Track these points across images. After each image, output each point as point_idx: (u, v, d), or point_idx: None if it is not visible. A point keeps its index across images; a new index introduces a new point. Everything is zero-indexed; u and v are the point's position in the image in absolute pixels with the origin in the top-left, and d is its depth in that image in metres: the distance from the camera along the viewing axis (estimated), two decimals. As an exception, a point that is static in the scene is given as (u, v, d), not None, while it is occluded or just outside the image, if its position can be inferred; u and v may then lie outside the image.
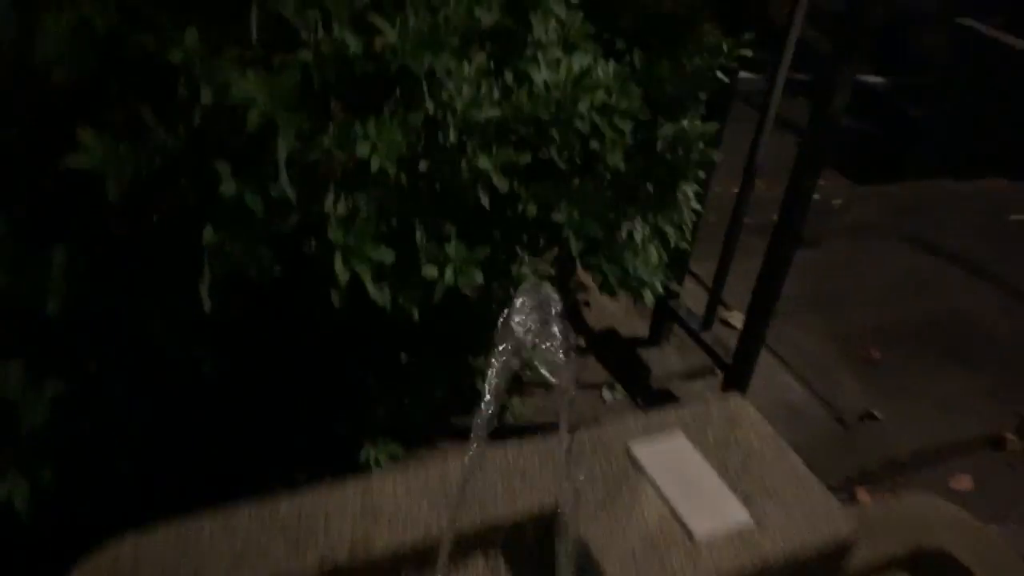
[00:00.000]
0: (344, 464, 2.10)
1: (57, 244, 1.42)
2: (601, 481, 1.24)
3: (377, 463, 2.01)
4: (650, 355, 3.05)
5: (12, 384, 1.44)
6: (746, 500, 1.24)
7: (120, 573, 1.02)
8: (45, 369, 1.46)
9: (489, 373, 0.91)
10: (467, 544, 1.16)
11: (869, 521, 1.80)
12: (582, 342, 3.08)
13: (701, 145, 1.80)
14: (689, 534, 1.18)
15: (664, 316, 3.00)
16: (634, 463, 1.27)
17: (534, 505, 1.18)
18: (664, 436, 1.33)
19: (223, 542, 1.07)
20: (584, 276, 2.38)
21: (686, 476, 1.27)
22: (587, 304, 3.20)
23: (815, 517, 1.23)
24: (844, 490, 2.63)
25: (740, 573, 1.15)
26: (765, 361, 3.21)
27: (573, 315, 3.13)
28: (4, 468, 1.55)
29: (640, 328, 3.11)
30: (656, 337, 3.07)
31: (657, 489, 1.24)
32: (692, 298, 3.03)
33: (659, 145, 1.85)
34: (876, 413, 3.02)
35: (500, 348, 0.85)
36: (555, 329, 0.80)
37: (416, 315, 1.65)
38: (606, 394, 2.88)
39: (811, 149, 2.19)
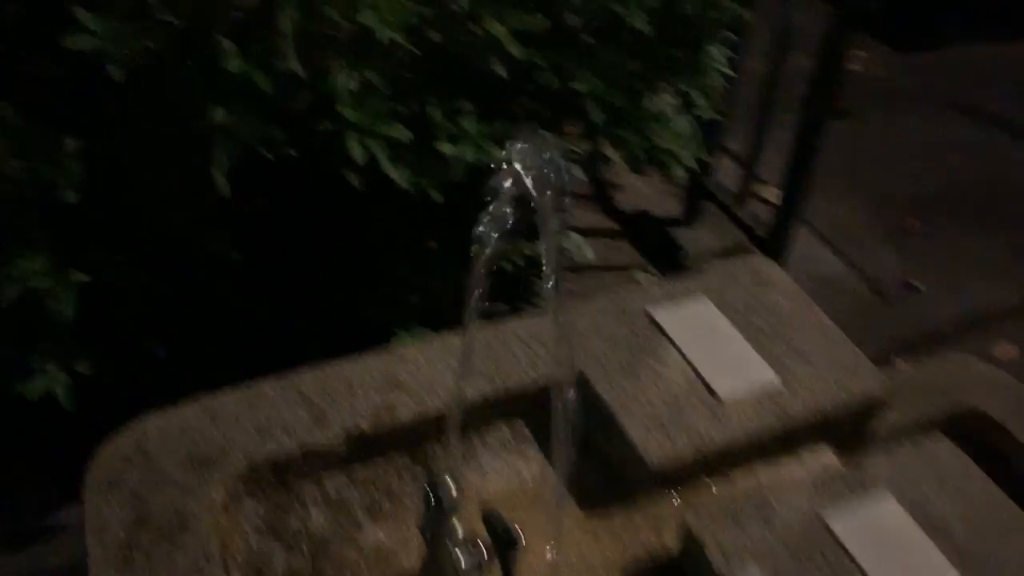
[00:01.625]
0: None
1: (70, 129, 1.41)
2: (623, 345, 1.22)
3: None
4: (684, 235, 3.01)
5: (38, 275, 1.44)
6: (772, 360, 1.22)
7: (145, 450, 1.03)
8: (69, 260, 1.47)
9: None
10: (490, 413, 1.16)
11: (903, 383, 1.77)
12: (613, 224, 3.04)
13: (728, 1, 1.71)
14: (714, 394, 1.17)
15: (698, 194, 2.94)
16: (657, 327, 1.25)
17: (555, 372, 1.17)
18: (687, 300, 1.30)
19: (247, 417, 1.08)
20: (613, 155, 2.32)
21: (710, 338, 1.25)
22: (618, 186, 3.14)
23: (844, 375, 1.21)
24: (884, 362, 2.61)
25: (766, 432, 1.14)
26: (801, 235, 3.15)
27: (603, 198, 3.08)
28: (43, 359, 1.58)
29: (673, 208, 3.05)
30: (690, 217, 3.02)
31: (680, 352, 1.22)
32: (727, 176, 2.96)
33: (684, 6, 1.76)
34: (916, 284, 2.96)
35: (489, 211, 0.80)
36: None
37: (437, 195, 1.62)
38: (639, 276, 2.86)
39: (845, 10, 2.09)
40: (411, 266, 2.02)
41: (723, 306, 1.30)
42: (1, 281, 1.36)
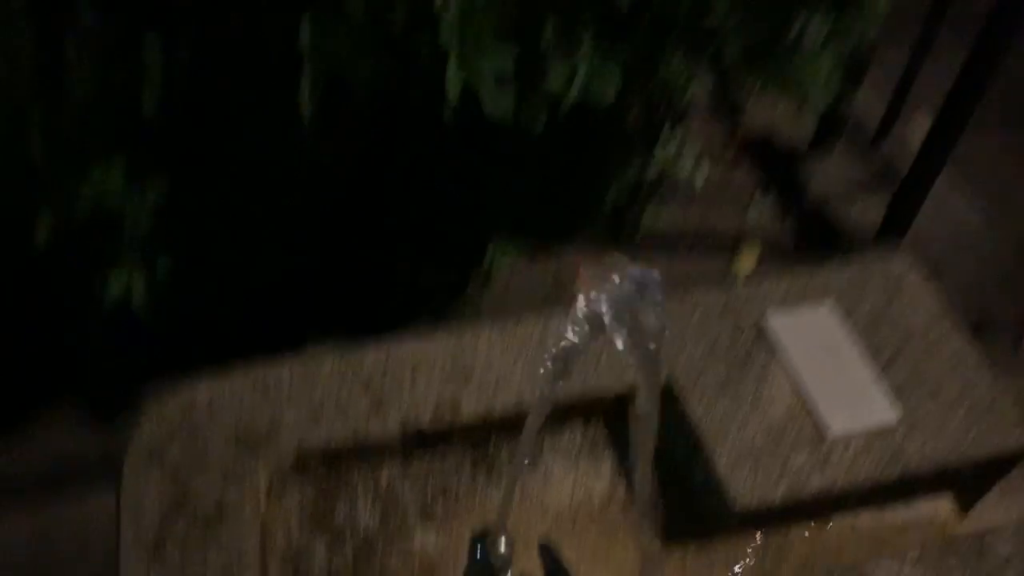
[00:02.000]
0: (468, 266, 2.02)
1: (150, 36, 1.30)
2: (724, 356, 1.08)
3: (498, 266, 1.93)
4: (809, 167, 2.77)
5: (115, 184, 1.38)
6: (897, 393, 1.06)
7: (190, 422, 0.97)
8: (145, 170, 1.39)
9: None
10: (564, 415, 1.05)
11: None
12: (735, 149, 2.81)
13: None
14: (822, 430, 1.02)
15: (831, 124, 2.67)
16: (766, 337, 1.10)
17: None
18: (806, 306, 1.14)
19: (302, 392, 1.00)
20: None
21: (827, 359, 1.09)
22: (744, 108, 2.88)
23: (980, 422, 1.05)
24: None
25: (875, 481, 1.00)
26: (941, 181, 2.86)
27: (727, 118, 2.83)
28: (120, 263, 1.54)
29: (802, 136, 2.79)
30: (819, 147, 2.76)
31: (790, 371, 1.07)
32: (864, 105, 2.67)
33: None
34: (1064, 246, 2.67)
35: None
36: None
37: (539, 127, 1.47)
38: (751, 211, 2.65)
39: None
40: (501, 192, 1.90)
41: (848, 317, 1.13)
42: (75, 196, 1.30)
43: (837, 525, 1.03)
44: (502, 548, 0.78)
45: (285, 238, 1.63)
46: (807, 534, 1.02)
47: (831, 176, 2.76)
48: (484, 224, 1.95)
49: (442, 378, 1.03)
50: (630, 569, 0.98)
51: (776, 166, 2.76)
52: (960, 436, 1.03)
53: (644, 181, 2.25)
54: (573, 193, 2.00)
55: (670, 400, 1.04)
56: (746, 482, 0.98)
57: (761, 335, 1.11)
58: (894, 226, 2.59)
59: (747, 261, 2.52)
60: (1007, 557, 0.94)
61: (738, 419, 1.03)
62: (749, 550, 1.00)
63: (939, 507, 1.06)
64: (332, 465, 0.99)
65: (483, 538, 0.77)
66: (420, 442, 1.00)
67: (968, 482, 1.06)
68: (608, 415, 1.06)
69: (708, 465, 1.00)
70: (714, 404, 1.04)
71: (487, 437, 1.04)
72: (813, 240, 2.62)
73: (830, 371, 1.08)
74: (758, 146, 2.81)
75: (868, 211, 2.66)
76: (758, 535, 1.01)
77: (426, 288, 1.96)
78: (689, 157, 2.26)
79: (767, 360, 1.08)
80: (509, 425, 1.03)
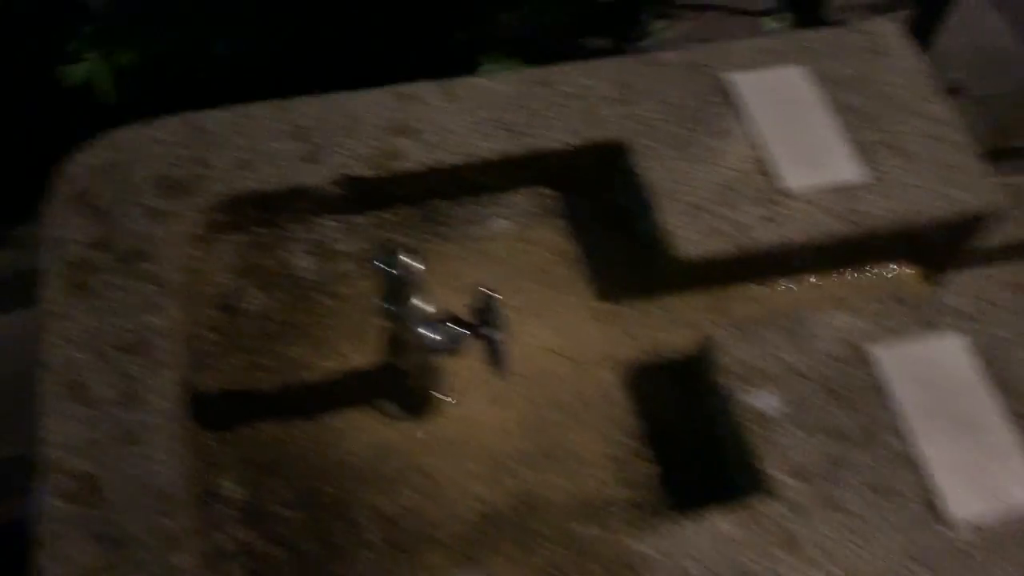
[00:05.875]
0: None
1: None
2: (684, 115, 1.02)
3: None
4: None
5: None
6: (863, 153, 1.00)
7: (117, 164, 0.94)
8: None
9: None
10: (514, 175, 1.01)
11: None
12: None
13: None
14: (779, 185, 0.97)
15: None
16: (730, 95, 1.04)
17: (595, 135, 1.00)
18: (778, 68, 1.07)
19: (233, 142, 0.96)
20: None
21: (793, 117, 1.03)
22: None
23: (946, 181, 0.99)
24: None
25: (832, 238, 0.96)
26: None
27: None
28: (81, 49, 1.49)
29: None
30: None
31: (752, 130, 1.01)
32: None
33: None
34: (1102, 69, 2.51)
35: None
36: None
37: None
38: (767, 23, 2.50)
39: None
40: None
41: (821, 78, 1.06)
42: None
43: (795, 285, 1.00)
44: (412, 263, 0.75)
45: (263, 21, 1.57)
46: (764, 291, 0.99)
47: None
48: (481, 34, 1.86)
49: (383, 130, 0.98)
50: (571, 322, 0.96)
51: None
52: (924, 196, 0.98)
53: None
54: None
55: (625, 157, 1.00)
56: (693, 235, 0.94)
57: (726, 94, 1.04)
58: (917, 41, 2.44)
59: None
60: (956, 308, 0.91)
61: (692, 175, 0.98)
62: (693, 311, 0.97)
63: (903, 273, 1.02)
64: (266, 214, 0.97)
65: (391, 255, 0.74)
66: (358, 193, 0.97)
67: (933, 246, 1.01)
68: (556, 176, 1.02)
69: (657, 219, 0.96)
70: (669, 160, 0.99)
71: (433, 194, 1.00)
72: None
73: (795, 130, 1.02)
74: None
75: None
76: (705, 296, 0.98)
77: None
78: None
79: (729, 118, 1.02)
80: (453, 179, 0.99)
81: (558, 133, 1.00)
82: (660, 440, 0.89)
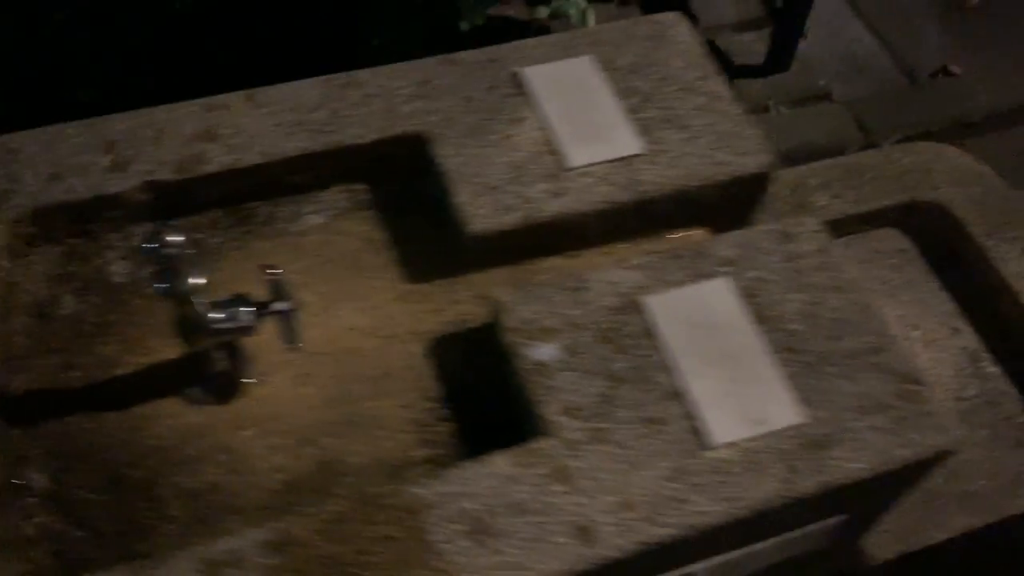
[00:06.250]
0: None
1: None
2: (480, 105, 1.10)
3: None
4: (699, 3, 2.74)
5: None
6: (644, 129, 1.08)
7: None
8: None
9: None
10: (323, 173, 1.07)
11: (861, 169, 1.62)
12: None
13: None
14: (563, 162, 1.05)
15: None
16: (523, 86, 1.11)
17: (395, 130, 1.07)
18: (568, 60, 1.15)
19: (42, 159, 1.01)
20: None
21: (580, 102, 1.11)
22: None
23: (720, 149, 1.07)
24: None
25: (614, 205, 1.03)
26: (837, 9, 2.84)
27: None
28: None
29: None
30: (710, -19, 2.73)
31: (541, 116, 1.09)
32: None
33: None
34: (954, 68, 2.67)
35: None
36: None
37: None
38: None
39: None
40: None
41: (609, 67, 1.14)
42: None
43: (591, 254, 1.07)
44: (179, 239, 0.80)
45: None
46: (560, 261, 1.05)
47: (721, 10, 2.74)
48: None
49: (189, 138, 1.04)
50: (379, 303, 1.01)
51: (669, 2, 2.73)
52: (698, 162, 1.06)
53: (534, 24, 2.23)
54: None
55: (426, 147, 1.06)
56: (486, 211, 1.01)
57: (518, 86, 1.12)
58: (779, 55, 2.59)
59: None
60: (730, 259, 0.98)
61: (486, 159, 1.05)
62: (501, 280, 1.03)
63: (694, 236, 1.09)
64: (80, 225, 1.01)
65: (158, 238, 0.79)
66: (168, 199, 1.03)
67: (718, 211, 1.09)
68: (366, 171, 1.08)
69: (452, 200, 1.02)
70: (465, 148, 1.06)
71: (245, 195, 1.06)
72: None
73: (580, 113, 1.10)
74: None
75: (757, 42, 2.65)
76: (511, 267, 1.05)
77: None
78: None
79: (521, 107, 1.10)
80: (261, 180, 1.05)
81: (358, 129, 1.07)
82: (461, 402, 0.95)
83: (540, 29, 2.30)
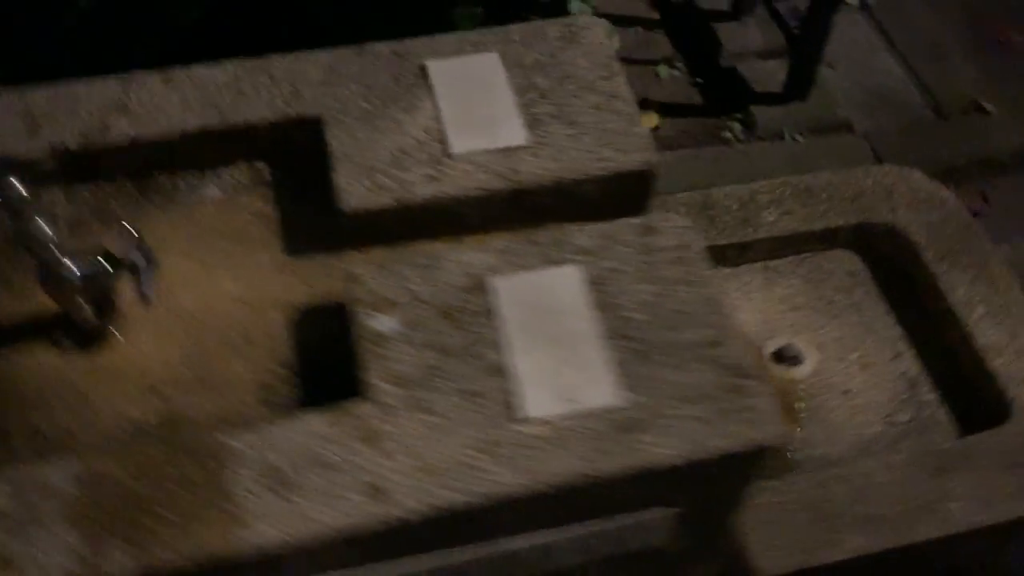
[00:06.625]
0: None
1: None
2: (378, 94, 1.14)
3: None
4: (727, 30, 2.75)
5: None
6: (533, 123, 1.11)
7: None
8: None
9: None
10: (228, 150, 1.13)
11: (817, 188, 1.60)
12: (652, 14, 2.80)
13: None
14: (446, 150, 1.08)
15: (752, -12, 2.65)
16: (424, 78, 1.15)
17: (292, 112, 1.12)
18: (475, 55, 1.18)
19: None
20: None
21: (476, 95, 1.14)
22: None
23: (604, 145, 1.09)
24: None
25: (489, 192, 1.05)
26: (869, 41, 2.81)
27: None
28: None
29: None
30: (738, 10, 2.73)
31: (435, 107, 1.12)
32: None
33: None
34: (986, 105, 2.60)
35: None
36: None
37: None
38: (662, 70, 2.64)
39: None
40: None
41: (515, 64, 1.17)
42: None
43: (471, 241, 1.09)
44: (19, 189, 0.86)
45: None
46: (436, 246, 1.08)
47: (747, 38, 2.74)
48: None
49: (101, 110, 1.11)
50: (256, 274, 1.06)
51: (694, 30, 2.75)
52: (581, 156, 1.08)
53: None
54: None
55: (318, 131, 1.11)
56: (360, 191, 1.05)
57: (421, 77, 1.16)
58: (796, 83, 2.57)
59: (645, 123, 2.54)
60: (587, 248, 0.99)
61: (374, 143, 1.09)
62: (377, 260, 1.07)
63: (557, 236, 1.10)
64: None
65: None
66: (77, 166, 1.10)
67: (605, 209, 1.10)
68: (269, 151, 1.14)
69: (331, 178, 1.06)
70: (356, 131, 1.10)
71: (154, 168, 1.12)
72: (722, 100, 2.62)
73: (475, 105, 1.13)
74: (679, 11, 2.79)
75: (779, 70, 2.63)
76: (388, 248, 1.08)
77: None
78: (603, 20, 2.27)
79: (417, 97, 1.14)
80: (164, 153, 1.12)
81: (259, 110, 1.12)
82: (309, 369, 0.98)
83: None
